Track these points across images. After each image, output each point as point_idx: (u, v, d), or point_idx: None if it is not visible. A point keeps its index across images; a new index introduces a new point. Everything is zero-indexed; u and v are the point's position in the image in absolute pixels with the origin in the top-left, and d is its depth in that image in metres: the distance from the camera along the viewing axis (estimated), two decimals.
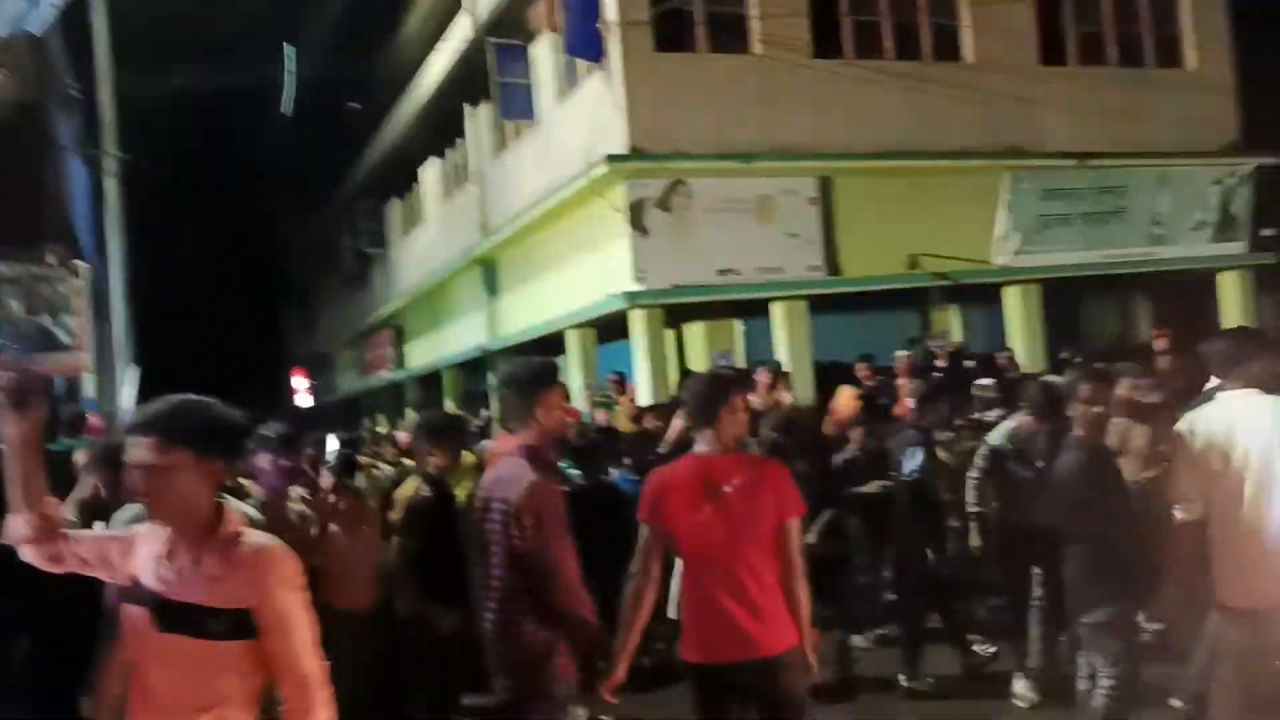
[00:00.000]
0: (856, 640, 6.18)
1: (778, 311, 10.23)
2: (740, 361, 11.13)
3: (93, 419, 8.96)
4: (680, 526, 2.96)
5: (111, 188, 9.11)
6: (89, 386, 9.34)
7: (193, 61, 12.53)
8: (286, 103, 11.47)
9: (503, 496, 2.99)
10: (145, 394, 9.08)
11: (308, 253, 26.32)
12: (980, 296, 11.30)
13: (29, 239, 8.32)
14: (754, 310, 10.56)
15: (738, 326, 11.63)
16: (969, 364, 9.55)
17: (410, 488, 4.99)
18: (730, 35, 10.25)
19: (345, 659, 3.97)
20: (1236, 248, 11.94)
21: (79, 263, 8.77)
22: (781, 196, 10.11)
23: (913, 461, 5.58)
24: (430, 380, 17.11)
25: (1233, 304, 11.81)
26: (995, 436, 5.42)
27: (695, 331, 11.63)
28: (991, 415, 7.11)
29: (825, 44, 10.50)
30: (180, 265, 23.44)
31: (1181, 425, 3.23)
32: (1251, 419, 3.04)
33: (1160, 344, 9.11)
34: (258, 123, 23.14)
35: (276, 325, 31.29)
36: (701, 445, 3.05)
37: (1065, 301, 11.55)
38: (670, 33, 9.97)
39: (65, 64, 9.15)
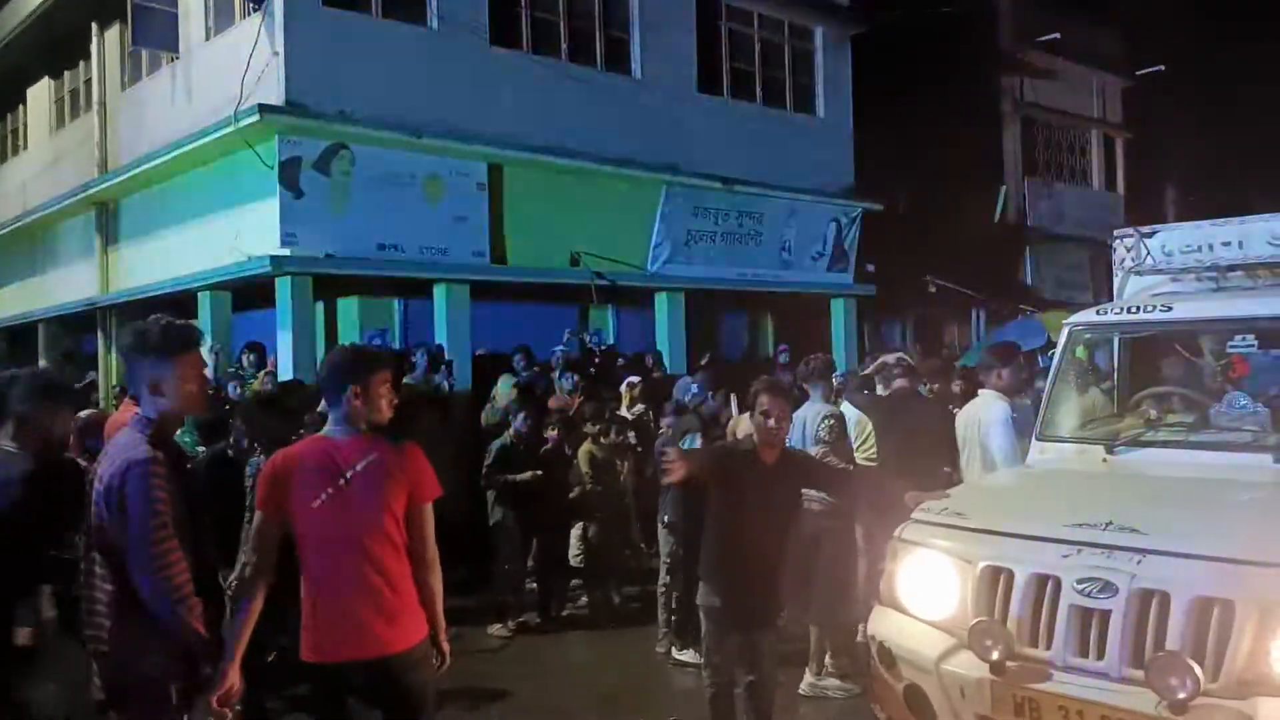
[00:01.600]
0: (497, 629, 6.26)
1: (440, 295, 10.05)
2: (397, 342, 10.80)
3: None
4: (297, 513, 2.73)
5: None
6: None
7: None
8: None
9: (101, 473, 2.58)
10: None
11: None
12: (634, 299, 11.95)
13: None
14: (414, 290, 10.28)
15: (396, 306, 11.26)
16: (621, 361, 10.09)
17: None
18: (407, 4, 9.90)
19: None
20: (845, 278, 13.79)
21: None
22: (450, 177, 9.95)
23: None
24: (21, 333, 14.65)
25: (840, 325, 13.64)
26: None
27: (349, 307, 11.07)
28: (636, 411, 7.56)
29: (504, 33, 10.52)
30: None
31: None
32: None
33: (782, 356, 10.65)
34: None
35: None
36: (330, 425, 2.85)
37: (705, 311, 12.59)
38: None
39: None
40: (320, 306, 10.16)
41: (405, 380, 7.67)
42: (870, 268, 14.10)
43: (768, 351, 13.24)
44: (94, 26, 12.43)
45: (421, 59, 9.76)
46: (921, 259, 14.64)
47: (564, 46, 11.10)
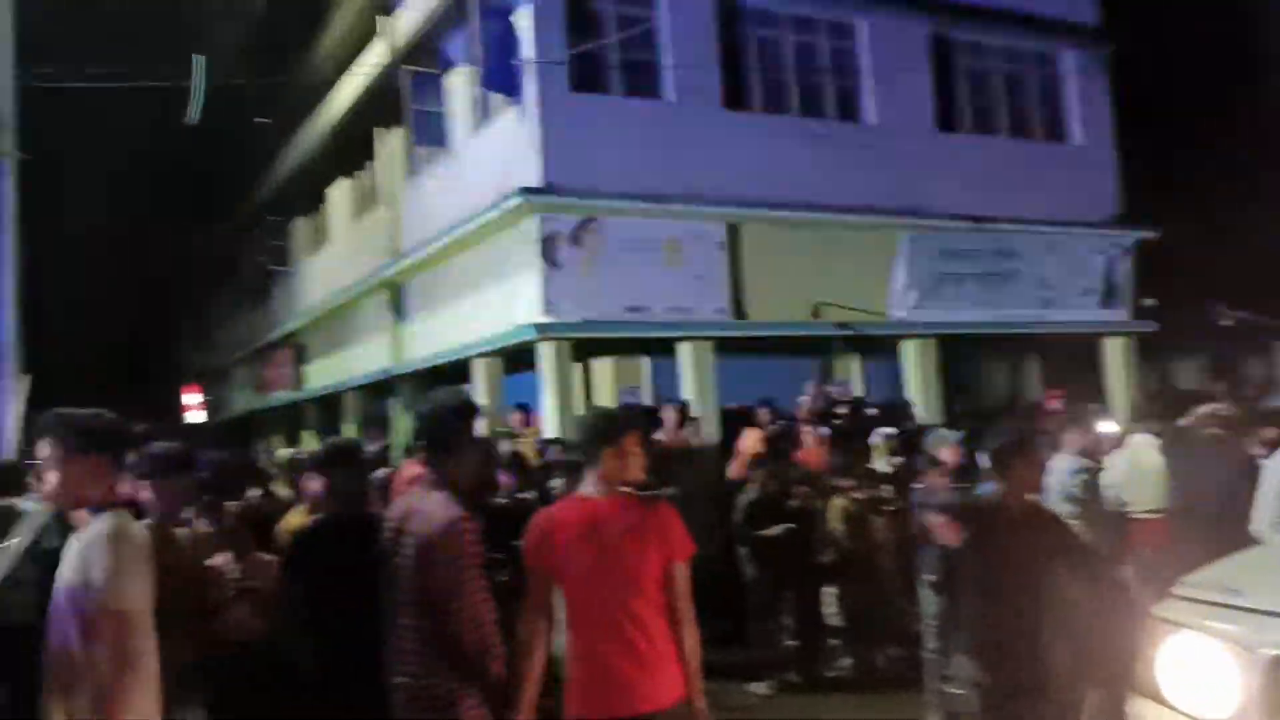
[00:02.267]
0: (757, 687, 6.25)
1: (685, 352, 10.41)
2: (647, 399, 11.27)
3: None
4: (563, 572, 2.86)
5: (7, 187, 8.71)
6: None
7: (99, 63, 12.10)
8: (194, 111, 11.15)
9: (415, 530, 2.85)
10: (36, 403, 8.65)
11: (207, 265, 25.46)
12: (879, 349, 11.72)
13: None
14: (661, 349, 10.72)
15: (645, 364, 11.77)
16: (870, 412, 9.87)
17: (298, 518, 4.84)
18: (644, 80, 10.52)
19: (233, 689, 3.85)
20: (1119, 315, 12.71)
21: None
22: (690, 240, 10.34)
23: None
24: (331, 402, 16.71)
25: (1116, 367, 12.55)
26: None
27: (603, 367, 11.72)
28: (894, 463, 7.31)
29: (736, 96, 10.88)
30: (76, 271, 22.41)
31: None
32: None
33: (1054, 404, 9.79)
34: (163, 129, 22.34)
35: (168, 338, 30.09)
36: (587, 486, 2.98)
37: (960, 358, 12.09)
38: (586, 74, 10.17)
39: None
40: (578, 367, 10.84)
41: (655, 436, 7.99)
42: (1150, 302, 12.88)
43: (1033, 398, 12.44)
44: (377, 130, 14.20)
45: (660, 130, 10.30)
46: (1209, 289, 13.20)
47: (795, 102, 11.29)
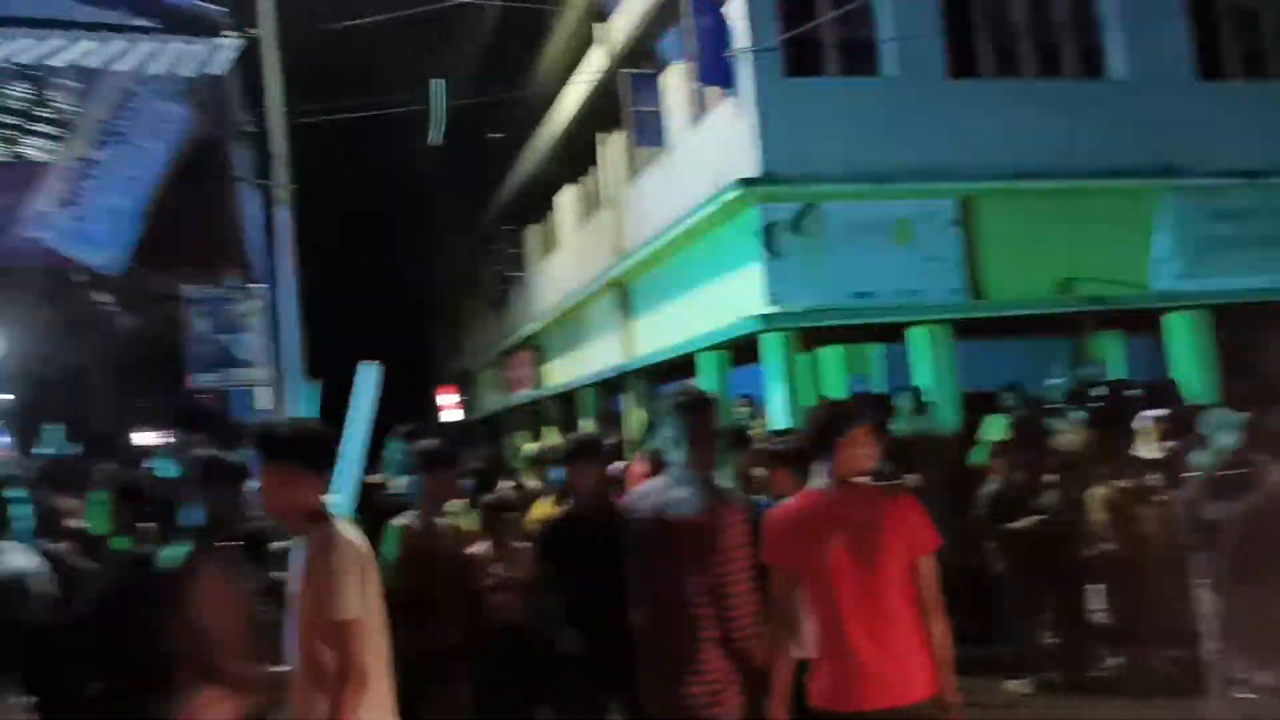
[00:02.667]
0: (1016, 685, 5.96)
1: (918, 336, 10.00)
2: (879, 387, 10.94)
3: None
4: (804, 566, 2.84)
5: (283, 216, 9.85)
6: (263, 398, 10.12)
7: (353, 95, 13.39)
8: (435, 134, 12.08)
9: (682, 517, 2.99)
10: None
11: (454, 276, 27.49)
12: (1135, 324, 10.70)
13: (212, 264, 9.07)
14: (893, 335, 10.36)
15: (876, 351, 11.41)
16: (1132, 393, 9.01)
17: (545, 508, 5.13)
18: (861, 58, 10.18)
19: (487, 674, 4.13)
20: None
21: (255, 285, 9.49)
22: (920, 219, 9.90)
23: None
24: (569, 399, 17.52)
25: None
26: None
27: (831, 356, 11.49)
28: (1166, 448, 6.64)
29: (961, 64, 10.28)
30: (342, 286, 24.89)
31: None
32: None
33: None
34: (409, 152, 24.39)
35: (425, 345, 32.75)
36: (820, 479, 2.95)
37: (1236, 330, 10.80)
38: (801, 58, 9.98)
39: (242, 102, 9.95)
40: (806, 357, 10.69)
41: (891, 426, 7.74)
42: None
43: None
44: (599, 135, 14.70)
45: (880, 107, 9.93)
46: None
47: (1029, 64, 10.52)
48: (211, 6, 9.53)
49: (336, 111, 13.00)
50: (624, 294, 14.13)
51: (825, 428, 2.97)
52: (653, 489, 3.24)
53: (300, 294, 9.82)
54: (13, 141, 11.92)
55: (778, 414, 9.59)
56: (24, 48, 8.12)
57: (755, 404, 9.94)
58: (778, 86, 9.82)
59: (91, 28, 9.05)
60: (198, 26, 9.40)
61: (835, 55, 10.22)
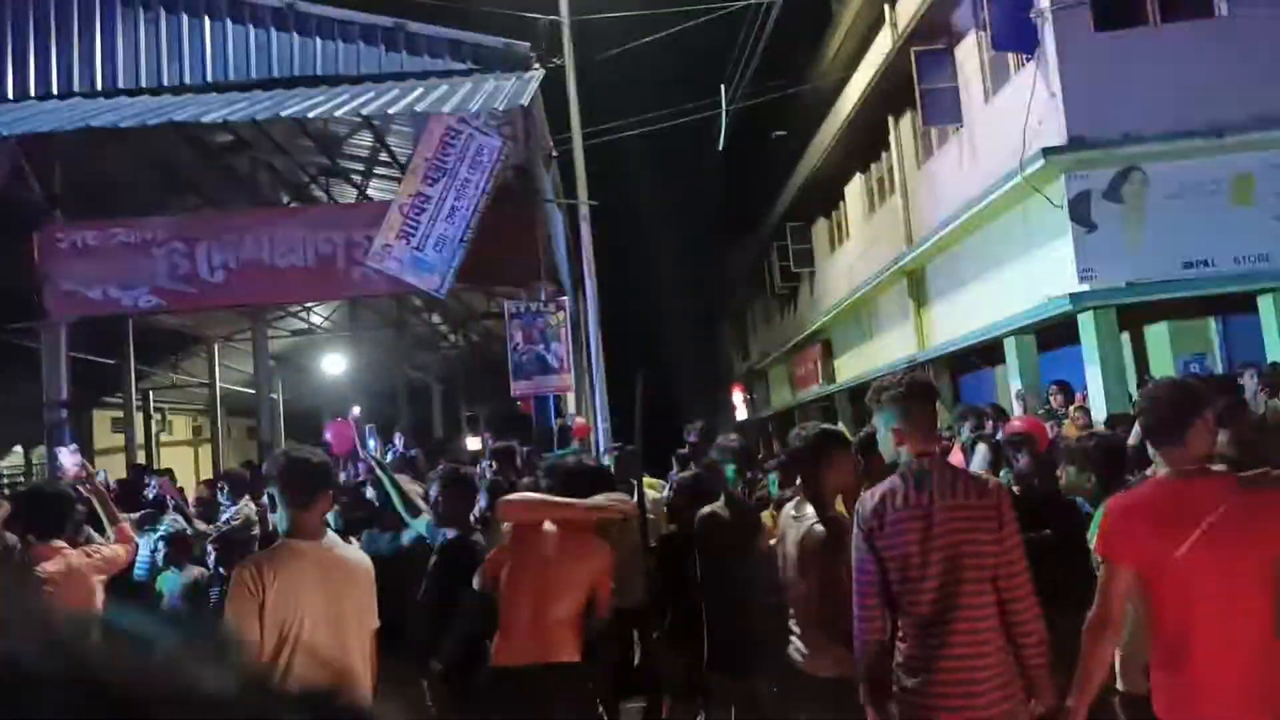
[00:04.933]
0: None
1: (1269, 307, 8.73)
2: (1217, 366, 9.70)
3: (580, 424, 10.52)
4: (1146, 564, 2.53)
5: (585, 230, 10.58)
6: (570, 403, 10.98)
7: (643, 109, 14.09)
8: (721, 137, 12.39)
9: (965, 501, 2.78)
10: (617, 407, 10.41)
11: (743, 275, 27.94)
12: None
13: (525, 280, 9.94)
14: (1233, 306, 9.13)
15: (1212, 326, 10.12)
16: None
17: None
18: (1185, 1, 9.06)
19: None
20: None
21: (562, 297, 10.26)
22: (1265, 174, 8.65)
23: None
24: (861, 393, 17.16)
25: None
26: None
27: (1158, 333, 10.34)
28: None
29: None
30: (638, 291, 26.25)
31: None
32: None
33: None
34: (697, 157, 25.13)
35: (715, 343, 33.61)
36: (1167, 467, 2.63)
37: None
38: (1111, 8, 9.07)
39: (545, 129, 10.79)
40: (1126, 337, 9.72)
41: (1238, 407, 6.81)
42: None
43: None
44: (888, 120, 14.26)
45: (1210, 54, 8.79)
46: None
47: None
48: (518, 43, 10.44)
49: (629, 128, 13.73)
50: (917, 281, 13.62)
51: (1171, 410, 2.65)
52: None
53: (602, 302, 10.50)
54: (360, 185, 13.81)
55: (1098, 400, 8.79)
56: (366, 101, 9.35)
57: (1071, 390, 9.17)
58: (1086, 43, 9.02)
59: (421, 76, 10.25)
60: (507, 63, 10.34)
61: (1153, 1, 9.19)
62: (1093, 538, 2.92)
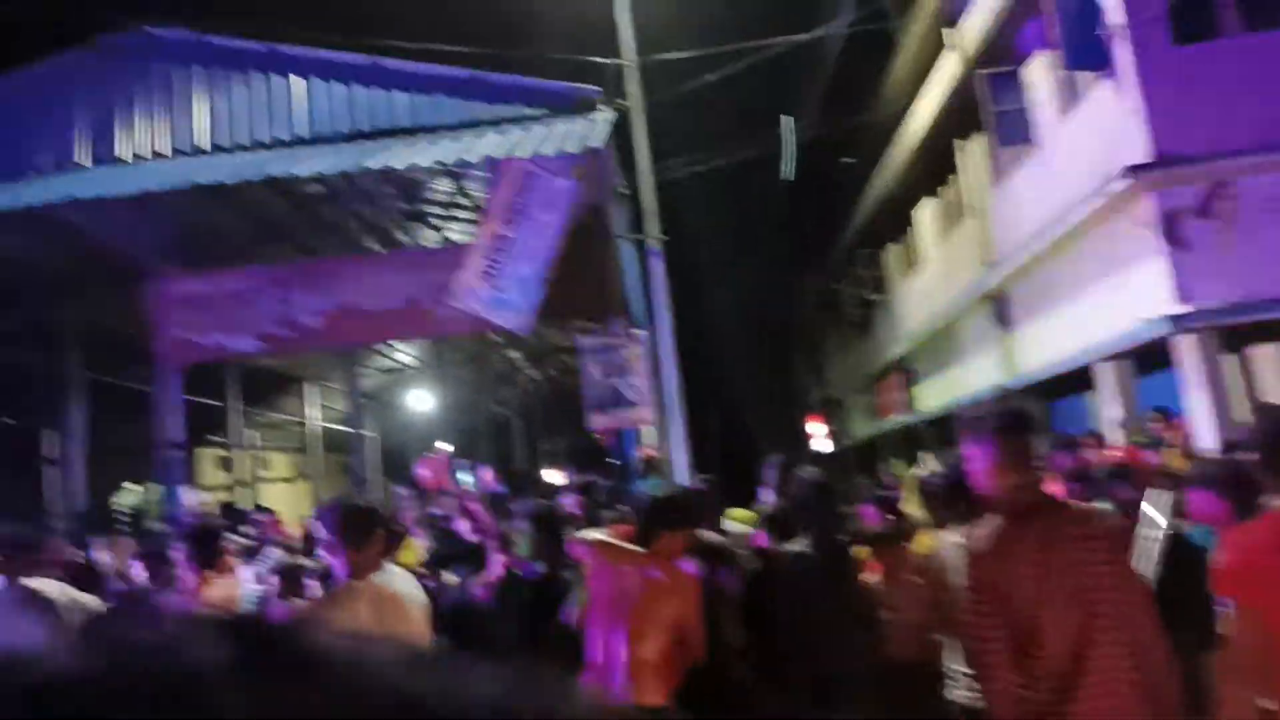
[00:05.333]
0: None
1: None
2: None
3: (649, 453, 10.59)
4: (1269, 603, 2.38)
5: (657, 266, 10.71)
6: (649, 435, 11.06)
7: (710, 142, 14.24)
8: (788, 168, 12.43)
9: (1078, 534, 2.62)
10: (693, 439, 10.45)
11: (814, 304, 27.75)
12: None
13: (599, 315, 10.10)
14: None
15: None
16: None
17: (931, 539, 4.97)
18: (1270, 8, 8.80)
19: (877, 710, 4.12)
20: None
21: (636, 331, 10.38)
22: None
23: None
24: (944, 422, 16.83)
25: None
26: None
27: (1266, 355, 9.92)
28: None
29: None
30: (710, 323, 26.29)
31: None
32: None
33: None
34: (763, 189, 25.19)
35: (789, 373, 33.35)
36: (1275, 499, 2.50)
37: None
38: (1189, 22, 8.86)
39: (616, 168, 10.99)
40: (1231, 359, 9.35)
41: None
42: None
43: None
44: (955, 143, 14.09)
45: None
46: None
47: None
48: (586, 88, 10.70)
49: (696, 163, 13.87)
50: (999, 306, 13.34)
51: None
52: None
53: (675, 334, 10.59)
54: (440, 229, 14.25)
55: (1200, 427, 8.46)
56: (445, 150, 9.68)
57: (1171, 417, 8.84)
58: (1164, 58, 8.82)
59: (495, 124, 10.58)
60: (577, 107, 10.60)
61: (1234, 11, 8.96)
62: (1209, 573, 2.74)
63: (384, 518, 3.66)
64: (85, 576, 5.91)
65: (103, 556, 6.61)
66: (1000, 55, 11.87)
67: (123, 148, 10.90)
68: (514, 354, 18.36)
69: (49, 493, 14.97)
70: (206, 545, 4.37)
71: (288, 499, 19.35)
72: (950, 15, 13.38)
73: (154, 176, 9.82)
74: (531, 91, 10.80)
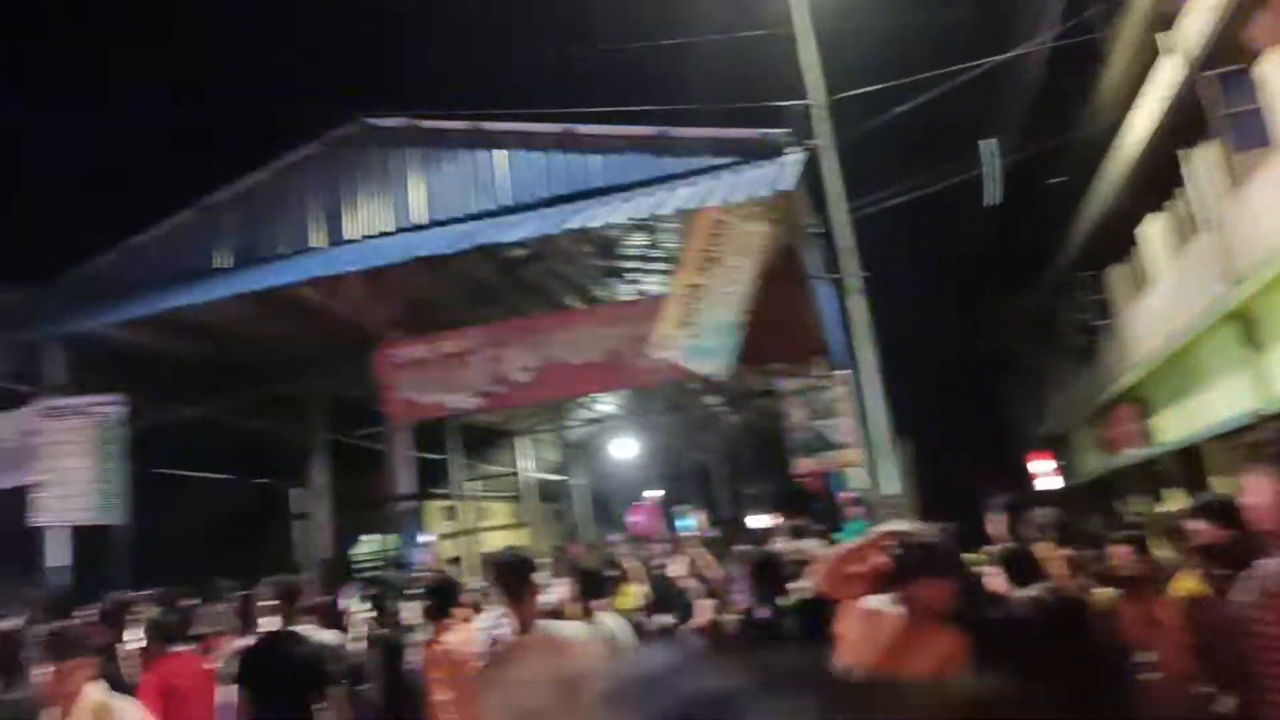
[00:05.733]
0: None
1: None
2: None
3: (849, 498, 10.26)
4: None
5: (857, 304, 10.49)
6: (856, 477, 10.76)
7: (910, 176, 13.86)
8: (993, 193, 11.87)
9: None
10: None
11: (1028, 334, 26.14)
12: None
13: (799, 357, 10.00)
14: None
15: None
16: None
17: (1191, 581, 4.51)
18: None
19: None
20: None
21: (839, 372, 10.18)
22: None
23: None
24: (1189, 455, 15.29)
25: None
26: None
27: None
28: None
29: None
30: (915, 359, 25.36)
31: None
32: None
33: None
34: (968, 217, 24.18)
35: (1002, 408, 31.52)
36: None
37: None
38: None
39: (807, 208, 10.92)
40: None
41: None
42: None
43: None
44: (1180, 153, 12.94)
45: None
46: None
47: None
48: (773, 132, 10.76)
49: (893, 196, 13.53)
50: (1248, 325, 12.03)
51: None
52: None
53: (880, 373, 10.28)
54: (637, 282, 14.65)
55: None
56: (638, 207, 9.98)
57: None
58: None
59: (684, 176, 10.82)
60: (766, 151, 10.67)
61: None
62: None
63: (575, 567, 3.81)
64: (333, 619, 6.44)
65: (350, 602, 7.17)
66: (1226, 55, 10.86)
67: (350, 229, 12.03)
68: (714, 400, 18.47)
69: (297, 544, 16.48)
70: (444, 596, 4.75)
71: (505, 545, 20.32)
72: (1164, 18, 12.42)
73: (379, 253, 10.78)
74: (719, 141, 10.99)
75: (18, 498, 10.95)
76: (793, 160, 10.23)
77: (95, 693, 3.51)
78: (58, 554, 11.21)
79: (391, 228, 11.85)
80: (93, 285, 12.23)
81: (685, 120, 11.41)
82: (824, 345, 10.71)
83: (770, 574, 4.49)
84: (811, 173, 10.74)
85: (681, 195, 9.93)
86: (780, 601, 4.54)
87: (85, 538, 11.31)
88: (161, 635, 5.30)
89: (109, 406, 11.03)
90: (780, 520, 8.71)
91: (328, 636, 4.90)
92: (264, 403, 13.45)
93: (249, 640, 4.85)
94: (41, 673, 3.52)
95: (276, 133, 12.64)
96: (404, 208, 11.91)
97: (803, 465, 9.66)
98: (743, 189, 9.40)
